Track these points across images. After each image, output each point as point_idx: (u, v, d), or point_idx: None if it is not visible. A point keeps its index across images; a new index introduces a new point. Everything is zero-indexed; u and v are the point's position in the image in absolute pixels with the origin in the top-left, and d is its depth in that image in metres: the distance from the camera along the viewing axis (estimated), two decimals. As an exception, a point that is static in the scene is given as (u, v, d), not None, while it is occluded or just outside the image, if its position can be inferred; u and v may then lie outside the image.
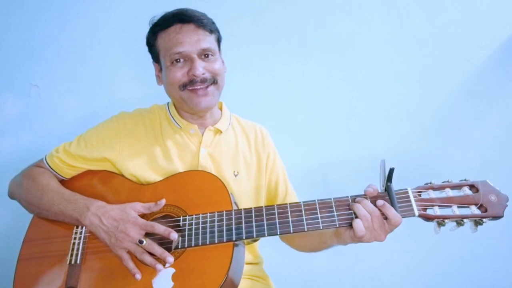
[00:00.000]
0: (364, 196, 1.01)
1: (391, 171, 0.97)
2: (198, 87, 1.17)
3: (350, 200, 1.01)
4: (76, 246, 1.11)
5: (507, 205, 0.93)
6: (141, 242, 1.02)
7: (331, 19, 1.87)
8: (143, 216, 1.10)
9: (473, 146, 1.79)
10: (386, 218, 0.96)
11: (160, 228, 1.03)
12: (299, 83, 1.85)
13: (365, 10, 1.87)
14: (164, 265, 1.02)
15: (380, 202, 0.97)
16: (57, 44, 1.85)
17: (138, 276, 1.02)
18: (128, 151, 1.22)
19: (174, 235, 1.02)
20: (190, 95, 1.18)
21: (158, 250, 1.03)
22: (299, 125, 1.83)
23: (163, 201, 1.10)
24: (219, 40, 1.26)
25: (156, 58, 1.26)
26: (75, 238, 1.12)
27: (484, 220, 0.93)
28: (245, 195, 1.24)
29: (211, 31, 1.21)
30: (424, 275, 1.77)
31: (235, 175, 1.24)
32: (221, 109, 1.36)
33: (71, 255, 1.09)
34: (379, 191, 1.01)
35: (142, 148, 1.23)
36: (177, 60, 1.17)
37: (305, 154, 1.81)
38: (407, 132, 1.82)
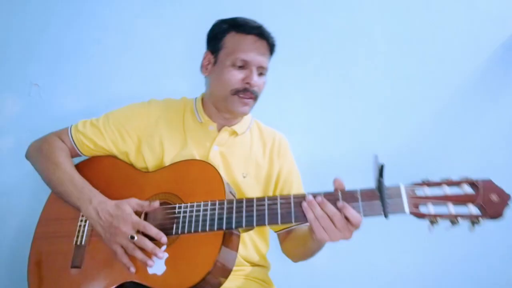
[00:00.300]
0: (329, 193, 0.99)
1: (382, 166, 0.94)
2: (247, 97, 1.24)
3: (307, 198, 0.98)
4: (82, 228, 1.16)
5: (507, 204, 0.89)
6: (132, 237, 1.05)
7: (331, 19, 1.87)
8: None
9: (473, 146, 1.79)
10: (347, 219, 0.95)
11: (152, 230, 1.06)
12: (299, 83, 1.85)
13: (365, 10, 1.87)
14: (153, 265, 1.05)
15: (340, 203, 0.96)
16: (58, 43, 1.84)
17: (133, 269, 1.05)
18: (153, 136, 1.28)
19: (165, 240, 1.05)
20: (238, 100, 1.24)
21: (150, 245, 1.05)
22: (299, 125, 1.83)
23: (157, 203, 1.12)
24: None
25: (214, 49, 1.29)
26: (81, 220, 1.18)
27: (480, 219, 0.89)
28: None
29: (271, 54, 1.31)
30: (424, 275, 1.77)
31: (244, 177, 1.27)
32: None
33: (77, 237, 1.16)
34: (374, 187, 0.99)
35: (164, 136, 1.28)
36: (239, 66, 1.23)
37: (305, 154, 1.80)
38: (407, 132, 1.81)
